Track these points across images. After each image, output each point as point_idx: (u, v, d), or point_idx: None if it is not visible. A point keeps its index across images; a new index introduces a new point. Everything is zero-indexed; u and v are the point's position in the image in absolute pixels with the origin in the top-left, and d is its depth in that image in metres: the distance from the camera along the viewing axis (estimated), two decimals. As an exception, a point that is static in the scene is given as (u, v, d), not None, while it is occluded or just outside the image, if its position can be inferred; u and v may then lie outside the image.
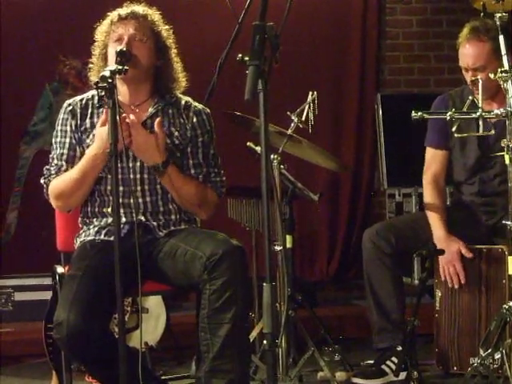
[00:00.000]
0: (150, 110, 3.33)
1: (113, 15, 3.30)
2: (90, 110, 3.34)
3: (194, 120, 3.36)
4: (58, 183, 3.27)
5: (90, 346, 2.93)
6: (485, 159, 3.91)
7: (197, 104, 3.42)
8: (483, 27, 3.80)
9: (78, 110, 3.33)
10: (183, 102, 3.39)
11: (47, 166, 3.34)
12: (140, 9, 3.32)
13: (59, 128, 3.34)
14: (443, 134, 3.99)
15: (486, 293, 3.83)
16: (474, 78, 3.75)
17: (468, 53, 3.84)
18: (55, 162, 3.32)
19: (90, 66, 3.35)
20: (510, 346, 3.35)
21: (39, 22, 5.62)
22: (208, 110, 3.42)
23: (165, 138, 3.21)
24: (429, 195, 4.00)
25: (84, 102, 3.36)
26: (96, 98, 3.31)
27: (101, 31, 3.32)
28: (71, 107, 3.35)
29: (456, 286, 3.84)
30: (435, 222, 3.91)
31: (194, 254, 3.05)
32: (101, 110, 3.26)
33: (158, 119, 3.19)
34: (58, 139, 3.33)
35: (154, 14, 3.35)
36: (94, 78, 3.29)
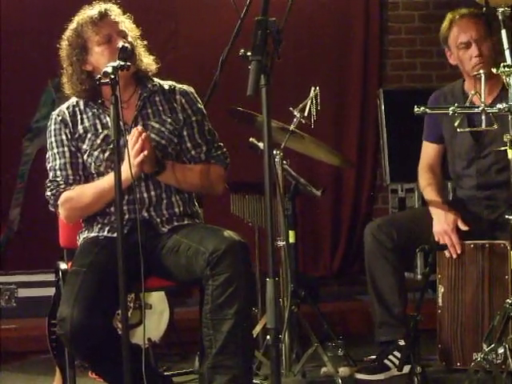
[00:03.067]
0: (138, 103, 3.32)
1: (87, 17, 3.25)
2: (79, 117, 3.33)
3: (183, 101, 3.36)
4: (78, 195, 3.25)
5: (94, 342, 2.94)
6: (479, 146, 3.92)
7: (180, 85, 3.42)
8: (469, 11, 3.91)
9: (69, 119, 3.32)
10: (167, 87, 3.39)
11: (50, 179, 3.31)
12: (106, 5, 3.29)
13: (53, 139, 3.32)
14: (435, 128, 4.06)
15: (489, 288, 3.82)
16: (477, 59, 3.81)
17: (467, 25, 3.89)
18: (59, 172, 3.29)
19: (64, 78, 3.30)
20: (513, 341, 3.36)
21: (41, 17, 5.63)
22: (192, 89, 3.42)
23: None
24: (424, 178, 4.06)
25: (71, 109, 3.34)
26: (81, 103, 3.32)
27: (74, 37, 3.25)
28: (61, 117, 3.33)
29: (454, 256, 3.82)
30: (432, 196, 3.95)
31: (197, 250, 3.05)
32: (89, 113, 3.28)
33: (144, 134, 3.13)
34: (55, 150, 3.31)
35: (116, 7, 3.32)
36: (73, 87, 3.28)
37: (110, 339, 2.97)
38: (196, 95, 3.41)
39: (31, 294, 4.87)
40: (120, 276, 2.81)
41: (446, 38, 3.98)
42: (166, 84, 3.40)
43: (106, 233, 3.26)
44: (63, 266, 3.36)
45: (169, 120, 3.33)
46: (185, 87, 3.41)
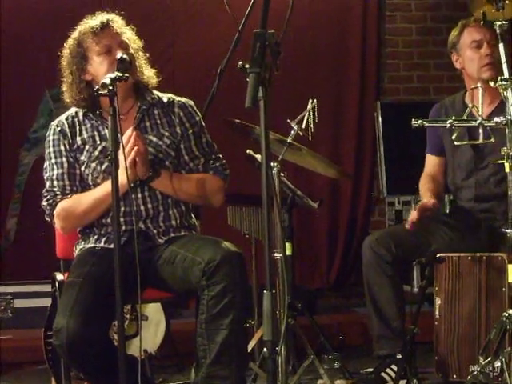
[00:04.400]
0: (137, 115, 3.33)
1: (88, 27, 3.26)
2: (77, 128, 3.33)
3: (181, 114, 3.36)
4: (73, 205, 3.25)
5: (90, 353, 2.94)
6: (479, 158, 3.93)
7: (179, 98, 3.42)
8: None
9: (68, 130, 3.32)
10: (166, 100, 3.39)
11: (47, 188, 3.31)
12: (109, 16, 3.30)
13: (52, 150, 3.32)
14: (437, 141, 4.08)
15: (486, 301, 3.82)
16: (488, 58, 3.85)
17: (482, 28, 3.91)
18: (56, 182, 3.30)
19: (64, 87, 3.31)
20: (509, 354, 3.34)
21: (39, 27, 5.63)
22: (191, 102, 3.42)
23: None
24: (423, 184, 4.08)
25: (70, 120, 3.35)
26: (80, 113, 3.32)
27: (74, 47, 3.27)
28: (60, 128, 3.33)
29: (407, 227, 3.85)
30: (424, 193, 3.98)
31: (193, 260, 3.05)
32: (88, 125, 3.29)
33: (135, 132, 3.13)
34: (53, 160, 3.31)
35: (119, 19, 3.33)
36: (72, 96, 3.28)
37: (106, 350, 2.97)
38: (195, 108, 3.41)
39: (27, 305, 4.85)
40: (116, 287, 2.80)
41: (456, 41, 3.99)
42: (165, 97, 3.41)
43: (102, 244, 3.26)
44: (60, 276, 3.36)
45: (166, 134, 3.33)
46: (183, 100, 3.41)
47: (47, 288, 4.04)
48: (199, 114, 3.42)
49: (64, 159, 3.31)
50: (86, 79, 3.27)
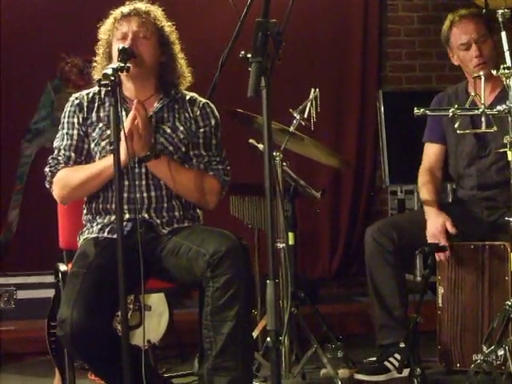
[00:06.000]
0: (156, 105, 3.34)
1: (116, 13, 3.31)
2: (96, 104, 3.35)
3: (198, 113, 3.38)
4: (70, 174, 3.27)
5: (93, 343, 2.94)
6: (480, 146, 3.93)
7: (202, 99, 3.44)
8: (469, 11, 3.95)
9: (85, 104, 3.35)
10: (188, 97, 3.41)
11: (53, 156, 3.34)
12: (142, 6, 3.34)
13: (66, 120, 3.35)
14: (437, 128, 4.07)
15: (489, 289, 3.83)
16: (478, 59, 3.84)
17: (468, 26, 3.91)
18: (63, 152, 3.32)
19: (94, 64, 3.36)
20: (513, 343, 3.36)
21: (41, 19, 5.62)
22: (212, 105, 3.44)
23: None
24: (421, 179, 4.05)
25: (91, 95, 3.37)
26: (103, 92, 3.34)
27: (104, 30, 3.33)
28: (78, 100, 3.36)
29: (442, 259, 3.83)
30: (426, 197, 3.95)
31: (198, 252, 3.05)
32: (107, 104, 3.30)
33: (135, 100, 3.14)
34: (65, 130, 3.34)
35: (157, 10, 3.37)
36: (97, 76, 3.31)
37: (110, 341, 2.96)
38: (215, 111, 3.42)
39: (30, 296, 4.85)
40: (120, 277, 2.81)
41: (448, 39, 4.00)
42: (189, 95, 3.42)
43: (106, 234, 3.26)
44: (63, 267, 3.35)
45: (181, 128, 3.34)
46: (205, 101, 3.43)
47: (50, 279, 4.06)
48: (218, 118, 3.41)
49: (75, 131, 3.33)
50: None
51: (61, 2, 5.60)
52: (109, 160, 3.09)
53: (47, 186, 3.34)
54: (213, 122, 3.39)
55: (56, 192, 3.32)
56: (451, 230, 3.82)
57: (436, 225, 3.83)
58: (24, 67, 5.59)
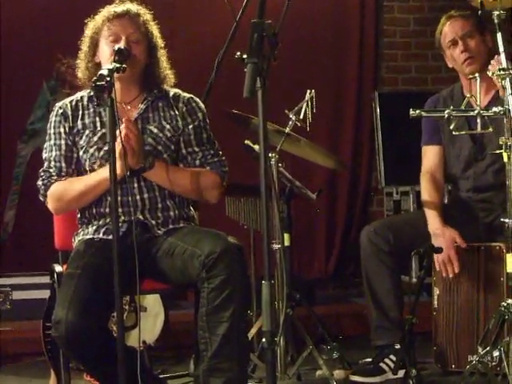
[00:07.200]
0: (141, 106, 3.33)
1: (107, 12, 3.29)
2: (80, 112, 3.34)
3: (184, 109, 3.37)
4: (65, 188, 3.26)
5: (89, 344, 2.93)
6: (477, 149, 3.93)
7: (185, 94, 3.42)
8: (459, 11, 4.00)
9: (69, 113, 3.34)
10: (171, 94, 3.40)
11: (44, 168, 3.33)
12: (134, 7, 3.33)
13: (52, 131, 3.34)
14: (434, 130, 4.06)
15: (484, 290, 3.83)
16: (464, 54, 3.88)
17: (454, 24, 3.97)
18: (53, 163, 3.31)
19: (78, 61, 3.35)
20: (508, 344, 3.34)
21: (37, 20, 5.62)
22: (197, 99, 3.43)
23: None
24: (424, 188, 4.03)
25: (74, 103, 3.36)
26: (85, 98, 3.34)
27: (92, 27, 3.31)
28: (62, 110, 3.35)
29: (450, 275, 3.83)
30: (430, 212, 3.92)
31: (193, 253, 3.05)
32: (91, 110, 3.30)
33: (125, 124, 3.09)
34: (53, 141, 3.33)
35: (146, 13, 3.36)
36: (81, 74, 3.32)
37: (105, 342, 2.96)
38: (200, 104, 3.41)
39: (26, 297, 4.85)
40: (115, 278, 2.80)
41: (439, 41, 4.03)
42: (172, 91, 3.41)
43: (101, 235, 3.26)
44: (58, 268, 3.36)
45: (168, 126, 3.33)
46: (189, 96, 3.41)
47: (46, 280, 4.05)
48: (204, 111, 3.41)
49: (62, 142, 3.32)
50: (95, 61, 3.30)
51: (57, 2, 5.59)
52: (103, 173, 3.08)
53: (41, 199, 3.33)
54: (200, 115, 3.38)
55: (51, 205, 3.31)
56: (462, 244, 3.82)
57: (446, 239, 3.81)
58: (20, 68, 5.59)
